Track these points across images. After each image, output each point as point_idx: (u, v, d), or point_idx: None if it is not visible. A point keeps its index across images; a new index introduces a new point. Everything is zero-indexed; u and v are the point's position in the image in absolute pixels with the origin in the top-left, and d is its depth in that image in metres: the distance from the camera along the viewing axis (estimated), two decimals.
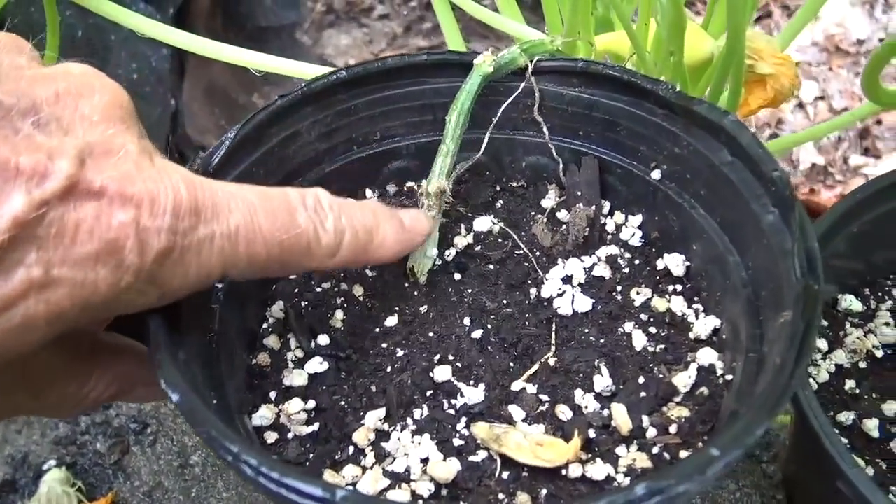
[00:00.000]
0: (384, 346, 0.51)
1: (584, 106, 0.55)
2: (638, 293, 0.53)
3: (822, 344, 0.63)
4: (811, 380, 0.60)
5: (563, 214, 0.58)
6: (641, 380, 0.48)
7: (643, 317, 0.52)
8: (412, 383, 0.49)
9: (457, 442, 0.46)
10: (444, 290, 0.54)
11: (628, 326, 0.51)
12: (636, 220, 0.56)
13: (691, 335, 0.50)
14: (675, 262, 0.53)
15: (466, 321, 0.52)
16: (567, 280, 0.54)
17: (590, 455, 0.45)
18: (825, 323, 0.64)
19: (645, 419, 0.46)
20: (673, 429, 0.45)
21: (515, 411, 0.47)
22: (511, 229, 0.57)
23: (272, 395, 0.49)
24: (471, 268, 0.56)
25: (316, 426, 0.48)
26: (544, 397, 0.48)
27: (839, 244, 0.62)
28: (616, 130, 0.55)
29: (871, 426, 0.58)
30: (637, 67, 0.62)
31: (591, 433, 0.46)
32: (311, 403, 0.48)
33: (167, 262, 0.37)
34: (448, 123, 0.54)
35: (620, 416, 0.46)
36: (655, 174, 0.54)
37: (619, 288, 0.54)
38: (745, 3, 0.57)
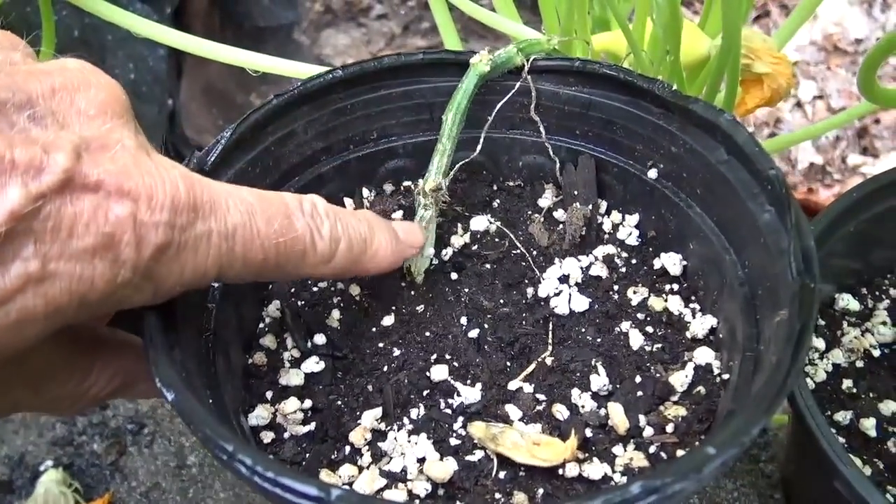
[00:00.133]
0: (381, 345, 0.51)
1: (581, 105, 0.55)
2: (635, 292, 0.53)
3: (820, 343, 0.62)
4: (808, 379, 0.60)
5: (559, 214, 0.58)
6: (638, 379, 0.48)
7: (640, 316, 0.52)
8: (409, 383, 0.49)
9: (453, 441, 0.46)
10: (440, 289, 0.54)
11: (625, 326, 0.51)
12: (633, 219, 0.56)
13: (688, 334, 0.50)
14: (671, 262, 0.53)
15: (463, 320, 0.52)
16: (564, 279, 0.54)
17: (587, 454, 0.45)
18: (822, 322, 0.64)
19: (642, 418, 0.46)
20: (670, 428, 0.45)
21: (512, 411, 0.47)
22: (508, 229, 0.57)
23: (269, 394, 0.49)
24: (467, 267, 0.56)
25: (312, 426, 0.48)
26: (541, 396, 0.48)
27: (836, 243, 0.62)
28: (613, 129, 0.55)
29: (869, 425, 0.58)
30: (634, 67, 0.62)
31: (588, 432, 0.46)
32: (308, 403, 0.48)
33: (164, 258, 0.37)
34: (444, 122, 0.54)
35: (617, 416, 0.46)
36: (652, 173, 0.54)
37: (615, 287, 0.53)
38: (740, 2, 0.57)
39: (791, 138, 0.89)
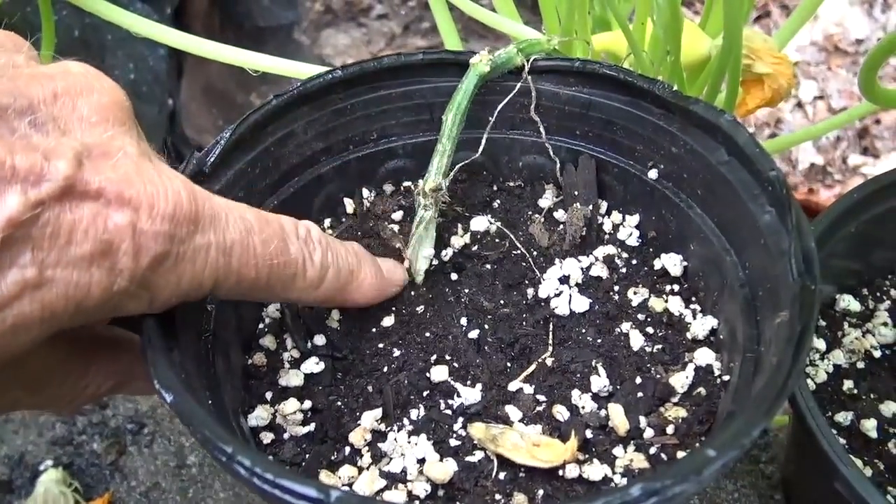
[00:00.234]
0: (381, 346, 0.51)
1: (581, 105, 0.55)
2: (635, 293, 0.53)
3: (820, 344, 0.62)
4: (809, 380, 0.60)
5: (560, 214, 0.57)
6: (638, 380, 0.48)
7: (640, 317, 0.52)
8: (409, 383, 0.49)
9: (453, 442, 0.46)
10: (440, 290, 0.54)
11: (625, 326, 0.51)
12: (633, 219, 0.56)
13: (688, 335, 0.50)
14: (672, 262, 0.53)
15: (463, 321, 0.52)
16: (564, 280, 0.54)
17: (587, 455, 0.45)
18: (823, 323, 0.64)
19: (642, 419, 0.46)
20: (670, 429, 0.45)
21: (512, 411, 0.47)
22: (508, 229, 0.57)
23: (268, 395, 0.49)
24: (468, 268, 0.56)
25: (312, 427, 0.48)
26: (541, 397, 0.48)
27: (837, 244, 0.62)
28: (613, 130, 0.55)
29: (870, 426, 0.58)
30: (634, 67, 0.62)
31: (588, 434, 0.46)
32: (308, 404, 0.48)
33: (161, 269, 0.37)
34: (445, 123, 0.53)
35: (617, 417, 0.46)
36: (652, 174, 0.54)
37: (616, 288, 0.53)
38: (741, 3, 0.56)
39: (792, 139, 0.89)
